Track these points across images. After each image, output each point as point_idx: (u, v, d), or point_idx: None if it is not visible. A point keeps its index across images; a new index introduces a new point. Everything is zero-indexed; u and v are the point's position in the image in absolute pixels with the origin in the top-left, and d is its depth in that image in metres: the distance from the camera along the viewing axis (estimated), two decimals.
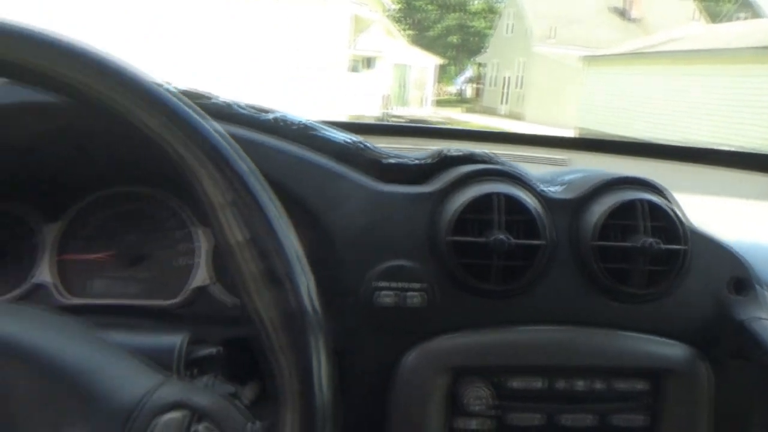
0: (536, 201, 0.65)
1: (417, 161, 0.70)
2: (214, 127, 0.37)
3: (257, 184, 0.37)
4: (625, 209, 0.64)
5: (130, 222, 0.80)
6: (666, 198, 0.67)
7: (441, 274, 0.63)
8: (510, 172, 0.67)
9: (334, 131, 0.70)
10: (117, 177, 0.79)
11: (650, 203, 0.64)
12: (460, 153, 0.71)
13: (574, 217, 0.66)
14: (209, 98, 0.68)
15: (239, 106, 0.68)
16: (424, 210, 0.65)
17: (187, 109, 0.37)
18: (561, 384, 0.65)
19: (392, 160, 0.69)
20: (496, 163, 0.71)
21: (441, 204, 0.65)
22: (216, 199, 0.36)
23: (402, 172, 0.69)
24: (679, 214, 0.66)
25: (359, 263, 0.63)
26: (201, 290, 0.79)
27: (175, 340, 0.54)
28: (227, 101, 0.68)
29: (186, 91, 0.67)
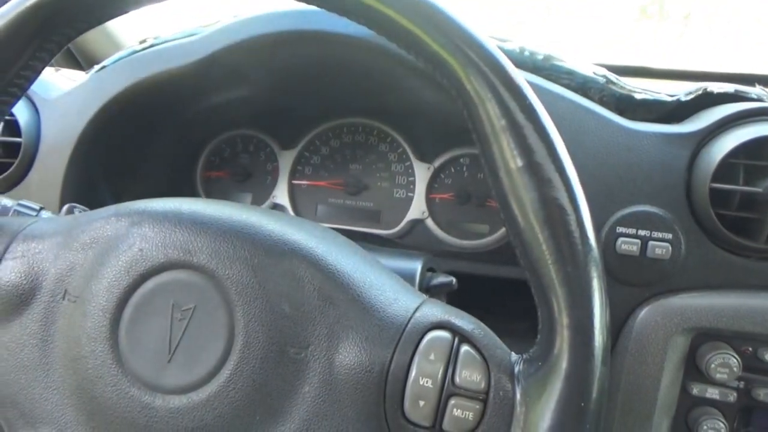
0: None
1: (673, 98, 0.62)
2: (497, 50, 0.36)
3: (540, 107, 0.35)
4: None
5: (355, 153, 0.84)
6: None
7: (694, 225, 0.57)
8: None
9: (579, 63, 0.65)
10: (347, 109, 0.82)
11: None
12: (727, 89, 0.61)
13: None
14: None
15: None
16: (681, 152, 0.57)
17: (470, 28, 0.36)
18: None
19: (645, 96, 0.62)
20: None
21: (703, 146, 0.57)
22: (498, 122, 0.34)
23: (655, 109, 0.62)
24: None
25: (603, 205, 0.58)
26: (416, 223, 0.81)
27: (414, 266, 0.55)
28: None
29: None
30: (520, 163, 0.34)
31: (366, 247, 0.62)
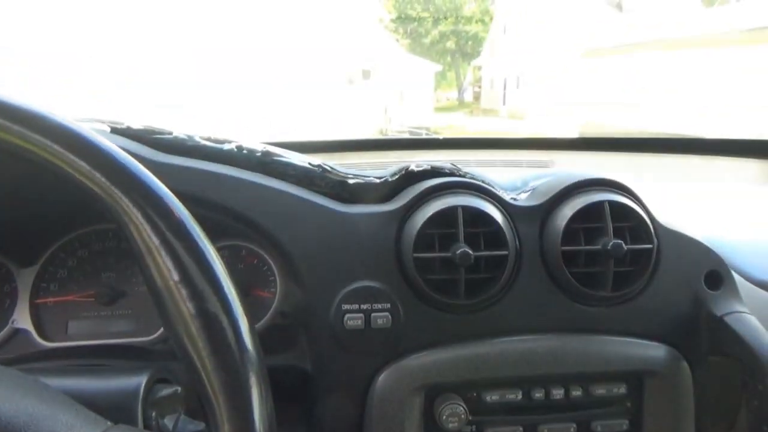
0: (501, 211, 0.65)
1: (381, 179, 0.70)
2: (143, 170, 0.38)
3: (190, 226, 0.37)
4: (591, 212, 0.64)
5: (107, 260, 0.81)
6: (633, 197, 0.66)
7: (408, 291, 0.63)
8: (473, 184, 0.66)
9: (296, 156, 0.70)
10: (90, 216, 0.79)
11: (614, 204, 0.63)
12: (424, 167, 0.70)
13: (541, 224, 0.66)
14: (168, 133, 0.68)
15: (199, 138, 0.68)
16: (388, 228, 0.64)
17: (113, 150, 0.37)
18: (538, 394, 0.64)
19: (356, 180, 0.68)
20: (460, 175, 0.70)
21: (405, 221, 0.64)
22: (150, 241, 0.36)
23: (367, 191, 0.69)
24: (646, 213, 0.65)
25: (327, 286, 0.63)
26: None
27: (137, 381, 0.54)
28: (187, 135, 0.69)
29: (144, 128, 0.68)
30: (175, 278, 0.36)
31: (96, 369, 0.59)
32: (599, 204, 0.63)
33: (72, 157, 0.36)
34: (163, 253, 0.36)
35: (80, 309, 0.79)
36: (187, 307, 0.36)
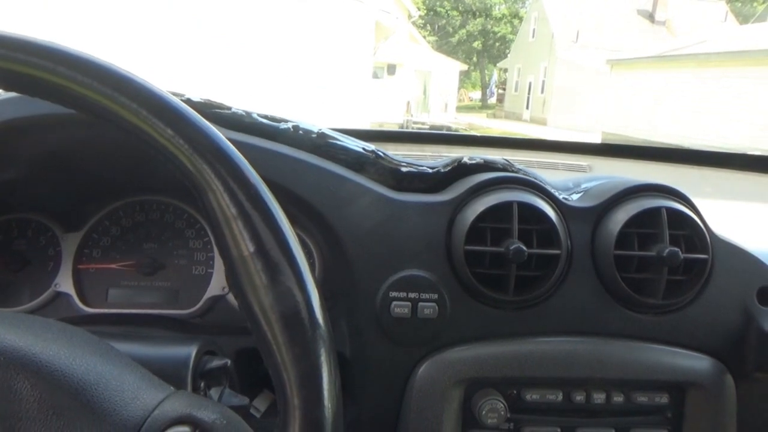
0: (555, 210, 0.64)
1: (433, 169, 0.69)
2: (225, 140, 0.37)
3: (267, 198, 0.37)
4: (647, 217, 0.63)
5: (149, 231, 0.81)
6: (689, 205, 0.65)
7: (456, 284, 0.62)
8: (528, 180, 0.65)
9: (351, 140, 0.70)
10: (137, 187, 0.80)
11: (672, 211, 0.62)
12: (477, 161, 0.70)
13: (595, 226, 0.65)
14: (228, 108, 0.68)
15: (257, 116, 0.68)
16: (440, 219, 0.64)
17: (197, 118, 0.37)
18: (579, 397, 0.63)
19: (408, 169, 0.68)
20: (514, 171, 0.69)
21: (457, 213, 0.64)
22: (228, 211, 0.36)
23: (418, 180, 0.68)
24: (703, 222, 0.64)
25: (375, 272, 0.62)
26: (217, 299, 0.79)
27: (188, 351, 0.54)
28: (245, 111, 0.69)
29: (204, 101, 0.68)
30: (250, 249, 0.36)
31: (144, 336, 0.59)
32: (656, 210, 0.62)
33: (157, 121, 0.36)
34: (240, 223, 0.36)
35: (121, 277, 0.80)
36: (261, 279, 0.35)
